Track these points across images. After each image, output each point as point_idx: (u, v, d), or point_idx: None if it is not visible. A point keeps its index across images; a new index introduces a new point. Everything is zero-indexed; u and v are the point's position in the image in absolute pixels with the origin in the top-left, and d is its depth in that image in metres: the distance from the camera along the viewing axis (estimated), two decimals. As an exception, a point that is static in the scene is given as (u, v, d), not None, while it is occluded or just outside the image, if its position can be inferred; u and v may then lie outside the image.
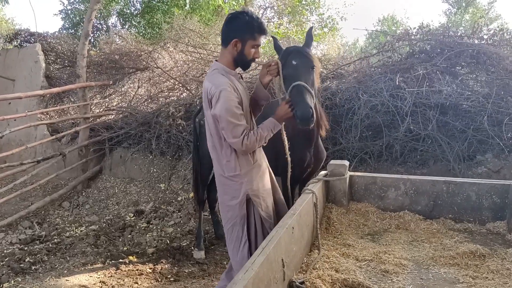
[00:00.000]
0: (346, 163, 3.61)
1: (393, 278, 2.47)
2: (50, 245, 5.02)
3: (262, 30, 2.64)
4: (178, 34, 8.73)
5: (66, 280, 4.14)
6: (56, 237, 5.31)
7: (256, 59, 2.72)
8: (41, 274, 4.27)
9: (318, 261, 2.66)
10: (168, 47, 8.96)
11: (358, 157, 5.68)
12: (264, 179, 2.82)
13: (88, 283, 4.05)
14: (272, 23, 17.44)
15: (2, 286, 4.02)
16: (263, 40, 2.63)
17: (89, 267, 4.42)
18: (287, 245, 2.42)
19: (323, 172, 3.72)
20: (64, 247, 4.97)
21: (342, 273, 2.46)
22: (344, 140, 5.88)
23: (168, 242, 5.10)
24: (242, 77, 2.88)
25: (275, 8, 18.11)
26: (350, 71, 6.96)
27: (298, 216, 2.68)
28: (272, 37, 3.31)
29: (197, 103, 7.07)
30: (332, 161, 3.68)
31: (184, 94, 8.22)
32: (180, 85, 8.17)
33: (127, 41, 9.99)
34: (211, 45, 8.51)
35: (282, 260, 2.28)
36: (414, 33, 7.03)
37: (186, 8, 12.45)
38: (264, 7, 18.07)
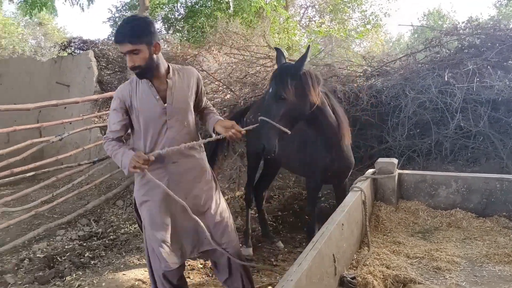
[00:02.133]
0: (395, 161, 3.60)
1: (446, 275, 2.46)
2: (107, 241, 5.29)
3: (114, 38, 2.55)
4: (222, 37, 8.92)
5: (123, 274, 4.37)
6: (112, 233, 5.59)
7: (129, 66, 2.53)
8: (99, 268, 4.53)
9: (368, 257, 2.69)
10: (213, 50, 9.17)
11: (406, 156, 5.60)
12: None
13: (143, 277, 4.26)
14: (313, 22, 17.39)
15: (65, 279, 4.29)
16: (128, 48, 2.45)
17: (143, 262, 4.63)
18: (338, 241, 2.47)
19: (370, 170, 3.72)
20: (119, 243, 5.23)
21: (393, 270, 2.47)
22: (391, 138, 5.81)
23: (217, 239, 5.24)
24: (152, 82, 2.66)
25: (316, 7, 18.04)
26: (396, 68, 6.85)
27: (348, 213, 2.72)
28: (276, 49, 3.32)
29: (241, 104, 7.20)
30: (380, 159, 3.67)
31: (228, 96, 8.38)
32: (225, 86, 8.34)
33: (173, 45, 10.30)
34: (254, 46, 8.63)
35: (333, 255, 2.33)
36: (462, 27, 6.83)
37: (229, 11, 12.66)
38: (305, 6, 18.05)
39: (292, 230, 5.39)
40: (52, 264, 4.68)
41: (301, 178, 6.35)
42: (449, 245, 2.90)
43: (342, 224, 2.56)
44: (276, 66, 3.19)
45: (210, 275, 4.29)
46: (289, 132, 2.90)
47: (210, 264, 4.50)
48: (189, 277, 4.23)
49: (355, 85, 6.67)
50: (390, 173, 3.51)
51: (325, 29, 14.82)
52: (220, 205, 2.93)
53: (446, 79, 5.70)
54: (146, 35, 2.47)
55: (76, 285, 4.11)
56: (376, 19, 18.58)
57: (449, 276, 2.43)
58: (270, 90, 2.92)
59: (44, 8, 9.62)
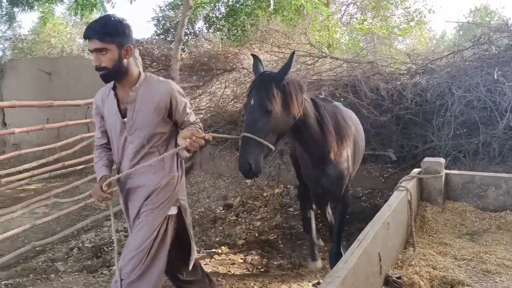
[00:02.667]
0: (442, 160, 3.52)
1: (496, 278, 2.39)
2: (151, 234, 5.46)
3: (84, 33, 2.35)
4: (263, 35, 8.97)
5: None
6: (155, 226, 5.77)
7: (96, 67, 2.35)
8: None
9: (414, 258, 2.65)
10: (253, 48, 9.24)
11: (451, 156, 5.45)
12: None
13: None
14: (355, 19, 17.13)
15: (111, 268, 4.46)
16: (96, 45, 2.28)
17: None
18: (383, 240, 2.45)
19: (416, 170, 3.66)
20: (162, 236, 5.38)
21: (441, 271, 2.43)
22: (436, 137, 5.67)
23: (257, 235, 5.31)
24: (116, 92, 2.53)
25: (358, 3, 17.76)
26: (442, 65, 6.67)
27: (393, 212, 2.70)
28: (252, 55, 3.07)
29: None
30: (426, 159, 3.60)
31: (269, 93, 8.42)
32: (265, 84, 8.39)
33: (214, 44, 10.46)
34: (294, 44, 8.62)
35: (379, 254, 2.32)
36: (513, 24, 6.55)
37: (269, 9, 12.70)
38: (347, 3, 17.80)
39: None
40: (99, 254, 4.88)
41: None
42: (499, 248, 2.81)
43: (388, 224, 2.54)
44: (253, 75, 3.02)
45: (250, 269, 4.35)
46: (273, 148, 2.66)
47: (250, 259, 4.57)
48: (229, 271, 4.31)
49: (399, 83, 6.55)
50: (437, 173, 3.44)
51: (367, 26, 14.56)
52: (149, 236, 2.45)
53: (495, 77, 5.50)
54: (118, 35, 2.32)
55: (123, 275, 4.29)
56: (420, 15, 18.07)
57: (499, 280, 2.36)
58: (252, 102, 2.61)
59: (94, 9, 10.00)
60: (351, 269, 1.88)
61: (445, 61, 6.80)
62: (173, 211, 2.57)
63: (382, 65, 6.99)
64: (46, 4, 10.88)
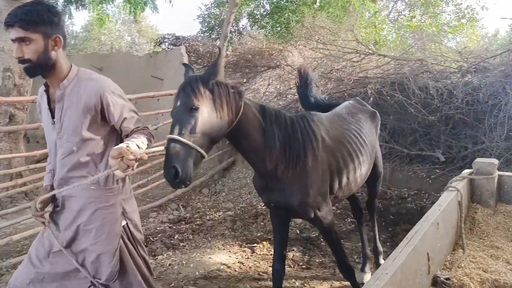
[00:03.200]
0: (495, 161, 3.39)
1: (553, 285, 2.28)
2: (194, 226, 5.60)
3: (4, 20, 2.06)
4: (309, 31, 8.93)
5: (209, 257, 4.62)
6: (198, 219, 5.90)
7: (18, 59, 2.07)
8: (187, 250, 4.81)
9: (463, 260, 2.58)
10: (299, 45, 9.22)
11: (504, 158, 5.22)
12: None
13: (228, 262, 4.46)
14: (403, 16, 16.69)
15: (157, 257, 4.62)
16: (18, 33, 2.00)
17: (228, 248, 4.84)
18: (432, 240, 2.40)
19: (467, 171, 3.54)
20: (205, 228, 5.50)
21: (492, 274, 2.35)
22: (487, 139, 5.45)
23: (298, 232, 5.32)
24: (48, 88, 2.28)
25: (406, 0, 17.27)
26: (496, 64, 6.39)
27: (443, 212, 2.63)
28: (184, 65, 2.75)
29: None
30: (478, 159, 3.48)
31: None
32: (309, 82, 8.36)
33: (259, 41, 10.52)
34: (340, 41, 8.52)
35: (428, 254, 2.28)
36: None
37: (315, 6, 12.61)
38: (395, 0, 17.36)
39: (376, 228, 5.27)
40: (145, 244, 5.04)
41: (385, 177, 6.20)
42: (556, 254, 2.68)
43: (437, 223, 2.48)
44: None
45: (292, 266, 4.37)
46: (204, 154, 2.34)
47: (292, 255, 4.59)
48: (271, 266, 4.33)
49: (449, 81, 6.34)
50: (490, 174, 3.32)
51: (416, 24, 14.14)
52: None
53: (554, 76, 5.21)
54: (44, 24, 2.04)
55: (167, 264, 4.43)
56: (472, 12, 17.35)
57: (556, 287, 2.25)
58: (178, 103, 2.35)
59: (145, 7, 10.33)
60: (400, 267, 1.86)
61: (499, 59, 6.51)
62: (122, 223, 2.34)
63: (432, 63, 6.79)
64: (100, 5, 11.32)
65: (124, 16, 25.48)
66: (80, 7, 12.29)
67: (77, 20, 49.91)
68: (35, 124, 4.60)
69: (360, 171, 3.26)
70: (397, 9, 17.63)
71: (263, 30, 14.79)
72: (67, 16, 14.56)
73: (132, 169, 1.96)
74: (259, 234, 5.27)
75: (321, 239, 5.02)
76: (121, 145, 2.02)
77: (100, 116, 2.23)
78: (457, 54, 7.25)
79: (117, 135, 2.36)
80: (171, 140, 2.23)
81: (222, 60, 8.14)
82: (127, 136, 2.28)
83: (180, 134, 2.26)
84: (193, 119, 2.29)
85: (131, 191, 2.50)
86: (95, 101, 2.18)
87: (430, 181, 5.86)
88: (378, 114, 3.93)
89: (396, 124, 6.45)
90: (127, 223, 2.36)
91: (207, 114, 2.35)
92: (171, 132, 2.28)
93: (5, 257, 4.62)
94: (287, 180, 2.78)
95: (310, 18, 9.60)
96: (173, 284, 3.97)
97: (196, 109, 2.30)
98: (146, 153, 2.02)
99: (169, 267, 4.38)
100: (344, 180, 3.11)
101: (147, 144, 2.18)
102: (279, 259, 3.32)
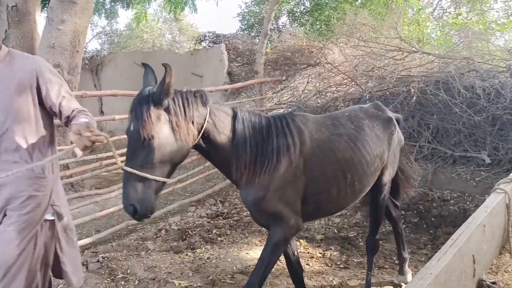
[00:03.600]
0: (547, 164, 3.23)
1: None
2: (232, 221, 5.66)
3: None
4: (350, 29, 8.82)
5: (246, 253, 4.67)
6: (235, 215, 5.96)
7: None
8: (225, 245, 4.88)
9: (511, 264, 2.49)
10: (339, 42, 9.12)
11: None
12: None
13: (265, 258, 4.49)
14: (448, 13, 16.14)
15: (195, 251, 4.71)
16: None
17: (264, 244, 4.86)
18: (478, 243, 2.33)
19: (517, 173, 3.40)
20: (243, 224, 5.55)
21: (543, 281, 2.26)
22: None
23: (336, 231, 5.27)
24: None
25: (452, -3, 16.70)
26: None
27: (490, 215, 2.55)
28: (143, 65, 2.56)
29: (366, 97, 7.05)
30: (529, 161, 3.33)
31: (352, 89, 8.27)
32: (349, 79, 8.25)
33: (298, 38, 10.48)
34: (383, 39, 8.35)
35: (473, 256, 2.21)
36: None
37: (356, 3, 12.42)
38: (439, -4, 16.81)
39: (416, 231, 5.16)
40: (184, 237, 5.16)
41: (427, 179, 6.05)
42: None
43: (484, 226, 2.40)
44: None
45: (329, 265, 4.34)
46: (167, 180, 2.22)
47: (329, 254, 4.56)
48: (308, 264, 4.34)
49: (497, 81, 6.11)
50: (541, 177, 3.17)
51: (462, 21, 13.65)
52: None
53: None
54: None
55: (206, 257, 4.51)
56: (523, 9, 16.54)
57: None
58: (132, 128, 2.16)
59: (185, 6, 10.53)
60: (444, 267, 1.82)
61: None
62: (48, 217, 2.24)
63: (479, 62, 6.55)
64: (139, 5, 11.62)
65: (165, 15, 25.98)
66: (126, 6, 12.67)
67: (121, 19, 51.30)
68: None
69: (352, 182, 2.87)
70: (442, 7, 17.07)
71: (302, 27, 14.71)
72: (110, 14, 15.00)
73: (91, 150, 1.92)
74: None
75: (360, 239, 4.97)
76: (80, 120, 2.00)
77: (35, 97, 2.13)
78: (505, 52, 6.96)
79: (51, 121, 2.23)
80: (127, 172, 2.10)
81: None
82: (68, 117, 2.16)
83: (135, 166, 2.10)
84: (148, 150, 2.11)
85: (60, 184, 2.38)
86: (30, 79, 2.10)
87: (474, 183, 5.67)
88: (395, 121, 3.42)
89: (439, 124, 6.28)
90: (54, 220, 2.24)
91: (164, 142, 2.15)
92: (126, 162, 2.13)
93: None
94: (254, 184, 2.52)
95: (352, 15, 9.46)
96: (211, 277, 4.04)
97: (150, 139, 2.10)
98: (105, 136, 1.98)
99: (207, 260, 4.45)
100: (328, 191, 2.78)
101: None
102: None
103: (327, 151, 2.77)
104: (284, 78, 9.13)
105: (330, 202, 2.87)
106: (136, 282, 3.93)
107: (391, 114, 3.49)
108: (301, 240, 4.91)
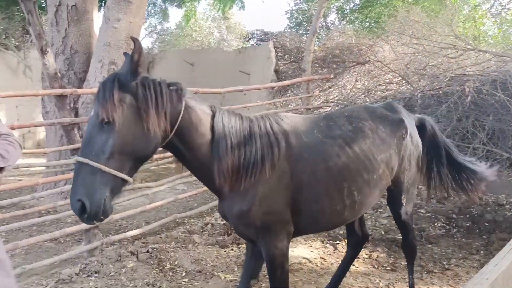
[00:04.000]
0: None
1: None
2: (277, 219, 5.69)
3: None
4: (402, 26, 8.59)
5: (291, 250, 4.66)
6: (280, 212, 5.98)
7: None
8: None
9: None
10: (390, 40, 8.91)
11: None
12: None
13: (310, 257, 4.48)
14: (507, 10, 15.29)
15: (240, 246, 4.77)
16: None
17: (309, 243, 4.86)
18: (538, 249, 2.21)
19: None
20: (288, 222, 5.56)
21: None
22: None
23: (383, 232, 5.16)
24: None
25: (512, -8, 15.79)
26: None
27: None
28: (124, 54, 2.16)
29: (418, 96, 6.84)
30: None
31: (402, 88, 8.07)
32: (400, 78, 8.04)
33: (348, 36, 10.34)
34: (436, 36, 8.07)
35: (533, 263, 2.10)
36: None
37: (409, 0, 12.08)
38: (499, -9, 15.96)
39: (468, 235, 4.96)
40: (230, 232, 5.24)
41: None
42: None
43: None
44: None
45: (376, 266, 4.27)
46: (130, 179, 1.96)
47: (376, 256, 4.48)
48: (354, 265, 4.29)
49: None
50: None
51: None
52: None
53: None
54: None
55: (251, 253, 4.56)
56: None
57: None
58: (92, 113, 1.92)
59: (233, 4, 10.67)
60: (502, 273, 1.74)
61: None
62: None
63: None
64: (189, 3, 11.89)
65: (214, 14, 26.41)
66: (177, 4, 13.02)
67: (172, 18, 52.79)
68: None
69: (350, 192, 2.56)
70: (501, 3, 16.20)
71: (351, 25, 14.50)
72: (162, 15, 15.41)
73: None
74: (341, 232, 5.20)
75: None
76: None
77: None
78: None
79: None
80: (78, 163, 1.83)
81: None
82: None
83: (89, 155, 1.83)
84: (107, 136, 1.84)
85: None
86: None
87: (533, 188, 5.37)
88: (407, 123, 2.98)
89: (496, 125, 5.99)
90: None
91: (126, 128, 1.88)
92: (80, 152, 1.87)
93: (105, 234, 5.07)
94: (238, 193, 2.28)
95: (404, 12, 9.21)
96: (255, 273, 4.08)
97: (109, 123, 1.84)
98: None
99: (252, 256, 4.50)
100: (322, 202, 2.49)
101: (13, 153, 1.84)
102: None
103: (318, 156, 2.47)
104: (332, 76, 9.03)
105: (325, 215, 2.54)
106: (184, 273, 4.04)
107: (405, 115, 3.08)
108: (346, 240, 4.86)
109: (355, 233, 3.40)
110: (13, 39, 12.44)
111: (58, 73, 5.51)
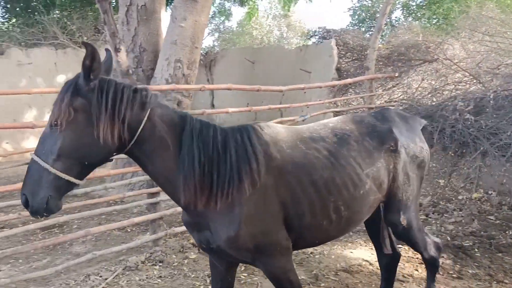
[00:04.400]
0: None
1: None
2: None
3: None
4: (474, 22, 8.13)
5: (350, 252, 4.63)
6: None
7: None
8: (329, 242, 4.86)
9: None
10: (461, 37, 8.47)
11: None
12: None
13: (370, 259, 4.40)
14: None
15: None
16: None
17: (370, 245, 4.74)
18: None
19: None
20: (347, 223, 5.48)
21: None
22: None
23: (449, 239, 4.94)
24: None
25: None
26: None
27: None
28: (106, 50, 2.22)
29: (491, 97, 6.45)
30: None
31: (473, 87, 7.64)
32: (471, 77, 7.62)
33: (414, 33, 9.96)
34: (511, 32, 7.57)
35: None
36: None
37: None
38: None
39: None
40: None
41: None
42: None
43: None
44: None
45: (441, 273, 4.09)
46: (78, 182, 1.94)
47: (441, 262, 4.29)
48: (417, 270, 4.18)
49: None
50: None
51: None
52: None
53: None
54: None
55: (309, 252, 4.57)
56: None
57: None
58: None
59: (297, 1, 10.67)
60: None
61: None
62: None
63: None
64: (252, 1, 12.00)
65: (274, 11, 26.49)
66: (240, 3, 13.23)
67: (234, 17, 53.62)
68: (199, 111, 5.11)
69: (337, 208, 2.40)
70: None
71: (417, 21, 13.95)
72: (225, 14, 15.71)
73: None
74: (404, 235, 5.05)
75: (476, 249, 4.60)
76: None
77: None
78: None
79: None
80: (32, 160, 1.90)
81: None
82: None
83: (41, 154, 1.89)
84: (54, 138, 1.89)
85: None
86: None
87: None
88: (396, 134, 2.72)
89: None
90: None
91: (73, 134, 1.89)
92: (35, 149, 1.94)
93: (169, 226, 5.27)
94: (215, 213, 2.13)
95: (476, 7, 8.72)
96: (314, 272, 4.09)
97: (56, 125, 1.88)
98: None
99: (311, 255, 4.50)
100: (308, 217, 2.33)
101: None
102: None
103: (302, 169, 2.32)
104: (396, 75, 8.74)
105: (311, 231, 2.40)
106: (243, 268, 4.11)
107: (398, 124, 2.82)
108: (409, 245, 4.71)
109: (382, 253, 3.15)
110: (86, 38, 13.21)
111: (130, 70, 5.80)
